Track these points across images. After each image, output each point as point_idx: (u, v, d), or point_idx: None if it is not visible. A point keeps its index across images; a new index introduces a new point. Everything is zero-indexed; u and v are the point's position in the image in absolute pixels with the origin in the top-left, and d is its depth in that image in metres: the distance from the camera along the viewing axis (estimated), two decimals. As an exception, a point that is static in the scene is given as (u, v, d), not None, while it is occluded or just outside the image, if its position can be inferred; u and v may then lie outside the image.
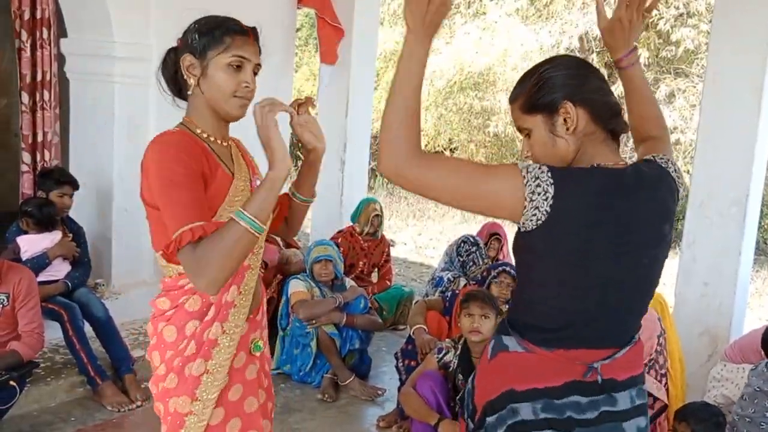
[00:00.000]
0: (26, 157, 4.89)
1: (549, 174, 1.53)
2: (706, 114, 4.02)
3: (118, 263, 4.81)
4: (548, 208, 1.52)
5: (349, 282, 4.64)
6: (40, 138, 4.88)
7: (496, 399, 1.66)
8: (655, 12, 11.09)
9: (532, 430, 1.62)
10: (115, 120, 4.66)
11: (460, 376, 3.45)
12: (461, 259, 5.20)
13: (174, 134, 1.81)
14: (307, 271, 4.48)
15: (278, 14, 5.57)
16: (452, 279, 5.05)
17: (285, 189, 1.92)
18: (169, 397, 1.85)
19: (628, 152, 9.18)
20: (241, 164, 1.92)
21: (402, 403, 3.56)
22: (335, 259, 4.47)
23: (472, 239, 5.29)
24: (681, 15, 10.74)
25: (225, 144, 1.90)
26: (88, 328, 3.91)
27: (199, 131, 1.84)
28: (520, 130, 1.72)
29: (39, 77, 4.83)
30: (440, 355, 3.51)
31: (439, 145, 13.31)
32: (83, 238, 4.30)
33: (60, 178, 4.21)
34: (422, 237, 9.94)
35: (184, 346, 1.83)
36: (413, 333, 3.97)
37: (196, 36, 1.82)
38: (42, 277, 3.88)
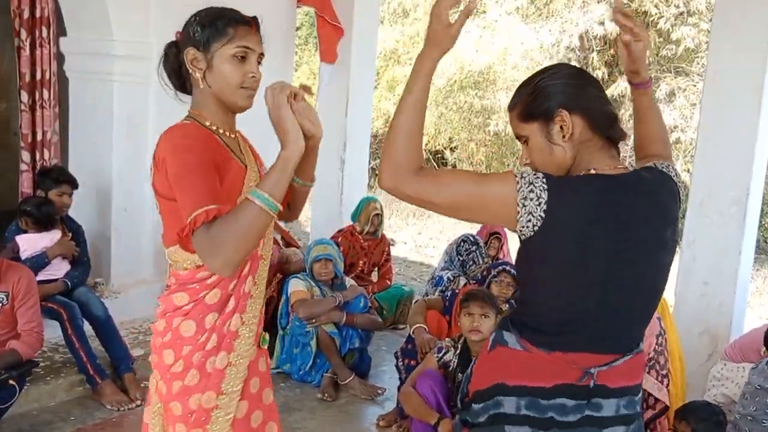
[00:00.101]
0: (26, 156, 4.88)
1: (544, 180, 1.56)
2: (706, 113, 4.01)
3: (118, 262, 4.81)
4: (542, 213, 1.54)
5: (349, 281, 4.63)
6: (39, 137, 4.88)
7: (486, 389, 1.69)
8: (655, 11, 11.01)
9: (511, 424, 1.64)
10: (115, 119, 4.66)
11: (460, 376, 3.45)
12: (461, 259, 5.20)
13: (186, 126, 1.80)
14: (307, 270, 4.48)
15: (278, 13, 5.57)
16: (452, 278, 5.05)
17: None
18: (191, 394, 1.82)
19: (628, 151, 9.17)
20: (249, 155, 1.93)
21: (402, 402, 3.56)
22: (335, 258, 4.47)
23: (472, 238, 5.29)
24: (681, 14, 10.72)
25: (233, 136, 1.90)
26: (87, 327, 3.91)
27: (208, 123, 1.83)
28: (518, 137, 1.74)
29: (38, 76, 4.82)
30: (440, 355, 3.51)
31: (439, 144, 13.29)
32: (82, 237, 4.30)
33: (59, 177, 4.20)
34: (422, 236, 9.93)
35: (204, 340, 1.82)
36: (413, 332, 3.96)
37: (198, 29, 1.80)
38: (41, 276, 3.88)
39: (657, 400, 3.42)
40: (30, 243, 3.98)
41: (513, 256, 5.40)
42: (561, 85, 1.66)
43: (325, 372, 4.24)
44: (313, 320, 4.21)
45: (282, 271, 4.74)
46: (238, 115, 1.91)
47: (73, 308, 3.85)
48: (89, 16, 4.58)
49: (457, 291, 4.29)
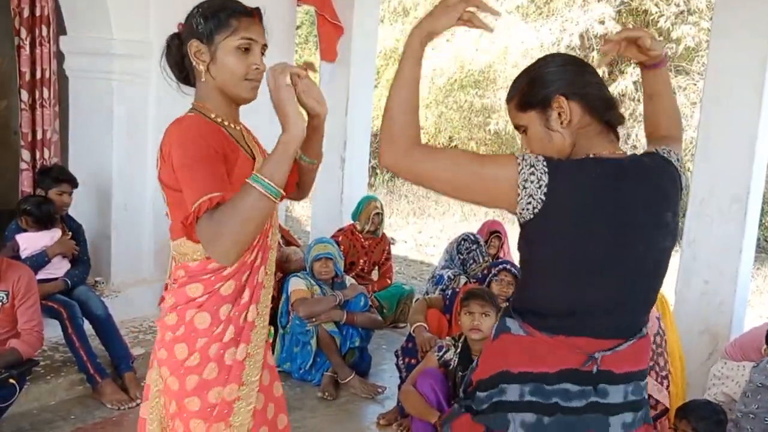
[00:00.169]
0: (26, 154, 4.88)
1: (544, 163, 1.57)
2: (706, 111, 4.01)
3: (118, 261, 4.81)
4: (543, 196, 1.55)
5: (349, 280, 4.63)
6: (39, 136, 4.88)
7: (490, 377, 1.69)
8: (655, 9, 10.99)
9: (514, 410, 1.64)
10: (115, 118, 4.65)
11: (461, 374, 3.45)
12: (461, 257, 5.20)
13: (192, 117, 1.79)
14: (308, 269, 4.48)
15: (278, 11, 5.56)
16: (452, 277, 5.05)
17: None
18: (210, 388, 1.80)
19: (631, 150, 9.17)
20: (255, 147, 1.92)
21: (402, 401, 3.56)
22: (335, 257, 4.47)
23: (472, 237, 5.29)
24: (681, 12, 10.73)
25: (237, 128, 1.90)
26: (87, 326, 3.91)
27: (213, 116, 1.82)
28: (517, 128, 1.76)
29: (38, 75, 4.83)
30: (440, 353, 3.51)
31: (439, 143, 13.29)
32: (82, 236, 4.30)
33: (59, 176, 4.20)
34: (422, 235, 9.94)
35: (221, 331, 1.80)
36: (413, 331, 3.96)
37: (201, 20, 1.78)
38: (41, 275, 3.88)
39: (658, 401, 3.42)
40: (30, 242, 3.98)
41: (513, 255, 5.41)
42: (557, 72, 1.67)
43: (326, 371, 4.23)
44: (314, 319, 4.21)
45: (282, 270, 4.74)
46: (242, 106, 1.90)
47: (73, 307, 3.85)
48: (89, 15, 4.58)
49: (457, 290, 4.29)
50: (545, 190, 1.54)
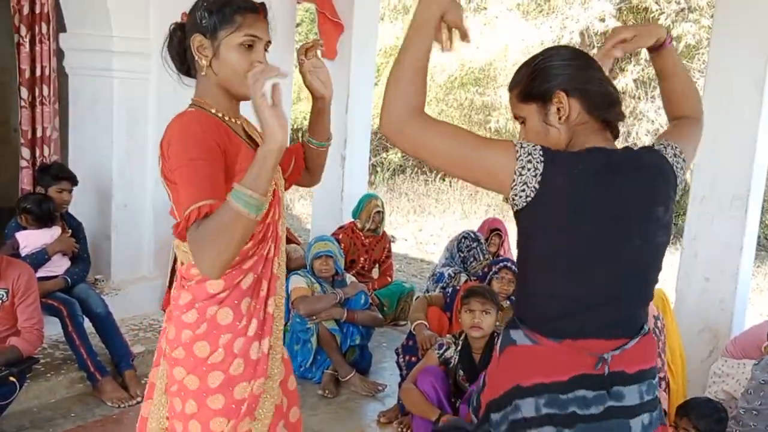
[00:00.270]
0: (25, 152, 4.87)
1: (541, 152, 1.57)
2: (707, 109, 3.95)
3: (118, 259, 4.81)
4: (536, 185, 1.55)
5: (349, 278, 4.63)
6: (39, 133, 4.87)
7: (502, 396, 1.66)
8: (656, 7, 10.98)
9: (532, 426, 1.61)
10: (114, 115, 4.65)
11: (461, 372, 3.45)
12: (462, 255, 5.19)
13: (192, 113, 1.77)
14: (308, 267, 4.48)
15: (278, 9, 5.53)
16: (453, 275, 5.04)
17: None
18: (236, 384, 1.78)
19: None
20: (257, 136, 1.91)
21: (402, 399, 3.56)
22: (336, 254, 4.46)
23: (472, 235, 5.29)
24: (682, 10, 10.71)
25: (238, 122, 1.88)
26: (87, 324, 3.90)
27: (213, 111, 1.80)
28: (516, 117, 1.76)
29: (38, 72, 4.81)
30: (441, 351, 3.51)
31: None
32: (82, 234, 4.29)
33: (59, 174, 4.20)
34: (423, 233, 9.93)
35: (245, 325, 1.78)
36: (414, 329, 3.96)
37: (206, 14, 1.76)
38: (41, 273, 3.88)
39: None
40: (30, 240, 3.97)
41: (514, 253, 5.41)
42: (560, 66, 1.67)
43: (326, 368, 4.24)
44: (314, 317, 4.21)
45: (282, 268, 4.73)
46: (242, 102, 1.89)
47: (73, 305, 3.85)
48: (89, 13, 4.57)
49: (458, 287, 4.29)
50: (539, 178, 1.55)
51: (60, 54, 4.88)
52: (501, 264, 4.20)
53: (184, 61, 1.85)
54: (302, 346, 4.26)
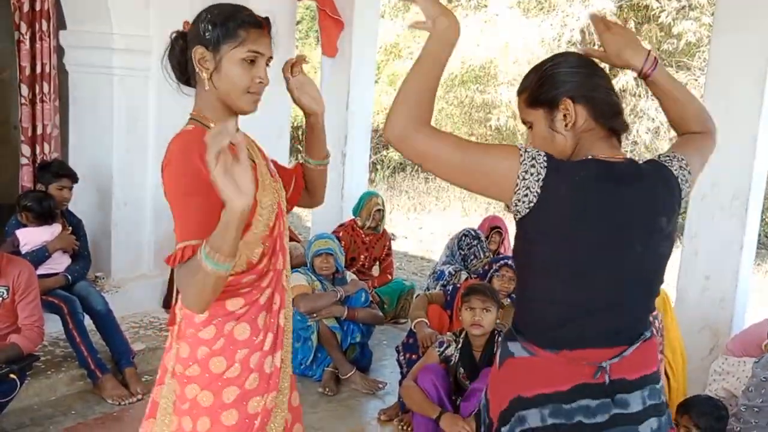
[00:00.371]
0: (26, 149, 4.87)
1: (545, 158, 1.58)
2: (707, 107, 3.99)
3: (118, 256, 4.81)
4: (539, 190, 1.55)
5: (349, 275, 4.63)
6: (39, 131, 4.86)
7: (506, 409, 1.66)
8: (656, 5, 10.98)
9: None
10: (115, 112, 4.65)
11: (462, 370, 3.45)
12: (462, 253, 5.19)
13: (191, 133, 1.73)
14: (308, 265, 4.48)
15: (279, 7, 5.54)
16: (453, 272, 5.04)
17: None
18: (250, 398, 1.78)
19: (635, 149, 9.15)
20: (255, 151, 1.90)
21: (403, 397, 3.56)
22: (336, 252, 4.46)
23: (473, 233, 5.28)
24: (683, 8, 10.71)
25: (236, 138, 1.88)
26: (88, 322, 3.91)
27: (212, 125, 1.76)
28: (524, 122, 1.77)
29: (38, 69, 4.81)
30: (441, 349, 3.51)
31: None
32: (83, 231, 4.29)
33: (59, 171, 4.20)
34: (423, 231, 9.93)
35: (261, 340, 1.78)
36: (414, 326, 3.97)
37: (209, 27, 1.73)
38: (42, 270, 3.88)
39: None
40: (30, 237, 3.97)
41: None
42: (568, 73, 1.68)
43: (326, 366, 4.23)
44: (315, 314, 4.21)
45: (283, 266, 4.73)
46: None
47: (73, 302, 3.85)
48: (89, 10, 4.57)
49: (458, 285, 4.29)
50: (541, 184, 1.55)
51: (60, 51, 4.88)
52: (501, 262, 4.20)
53: (184, 72, 1.82)
54: (303, 344, 4.26)
